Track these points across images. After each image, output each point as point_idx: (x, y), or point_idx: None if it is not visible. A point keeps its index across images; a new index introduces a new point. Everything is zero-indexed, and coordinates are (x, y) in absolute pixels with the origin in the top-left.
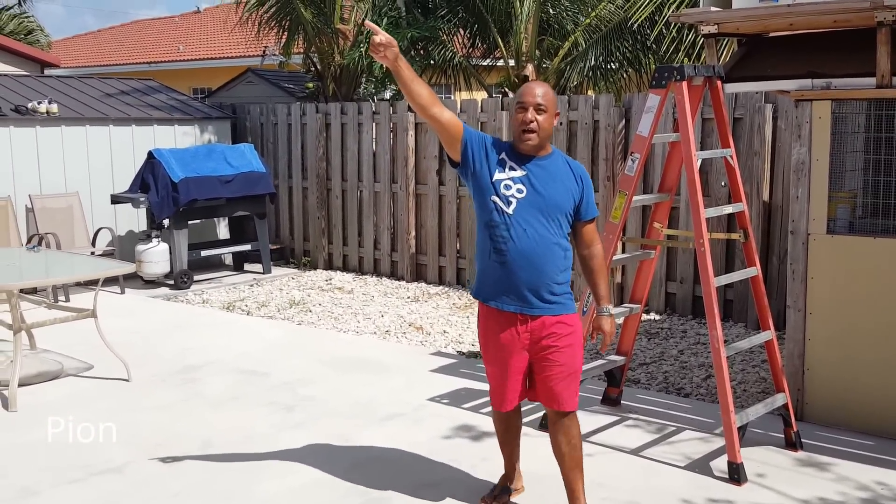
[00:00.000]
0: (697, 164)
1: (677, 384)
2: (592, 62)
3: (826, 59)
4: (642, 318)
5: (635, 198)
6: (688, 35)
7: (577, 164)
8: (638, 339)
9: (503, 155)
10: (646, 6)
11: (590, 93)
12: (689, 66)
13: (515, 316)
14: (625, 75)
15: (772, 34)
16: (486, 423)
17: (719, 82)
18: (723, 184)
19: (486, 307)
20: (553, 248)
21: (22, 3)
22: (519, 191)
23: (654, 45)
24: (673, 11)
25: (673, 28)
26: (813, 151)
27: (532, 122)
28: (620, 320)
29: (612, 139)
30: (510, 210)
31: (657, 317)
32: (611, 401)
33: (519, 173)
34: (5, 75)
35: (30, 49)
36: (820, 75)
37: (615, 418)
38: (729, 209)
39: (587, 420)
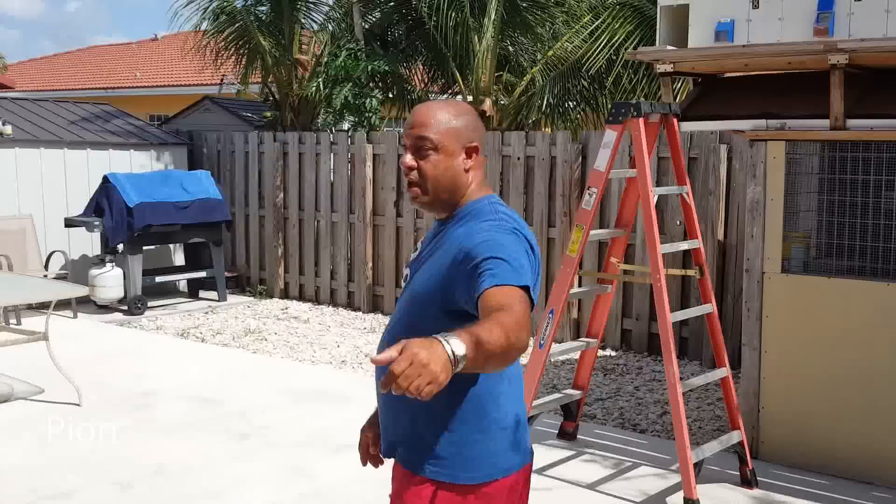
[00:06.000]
0: (654, 199)
1: (633, 420)
2: (550, 100)
3: (781, 101)
4: (598, 354)
5: (592, 232)
6: (644, 78)
7: (482, 225)
8: (594, 375)
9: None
10: (600, 51)
11: (547, 130)
12: (646, 103)
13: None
14: (581, 114)
15: (727, 74)
16: None
17: (675, 120)
18: (678, 222)
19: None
20: None
21: None
22: (405, 281)
23: (612, 87)
24: (629, 51)
25: (630, 67)
26: (768, 191)
27: (410, 170)
28: (576, 355)
29: (569, 175)
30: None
31: (613, 353)
32: (567, 435)
33: (414, 254)
34: None
35: None
36: (774, 116)
37: (571, 452)
38: (685, 245)
39: (544, 454)
